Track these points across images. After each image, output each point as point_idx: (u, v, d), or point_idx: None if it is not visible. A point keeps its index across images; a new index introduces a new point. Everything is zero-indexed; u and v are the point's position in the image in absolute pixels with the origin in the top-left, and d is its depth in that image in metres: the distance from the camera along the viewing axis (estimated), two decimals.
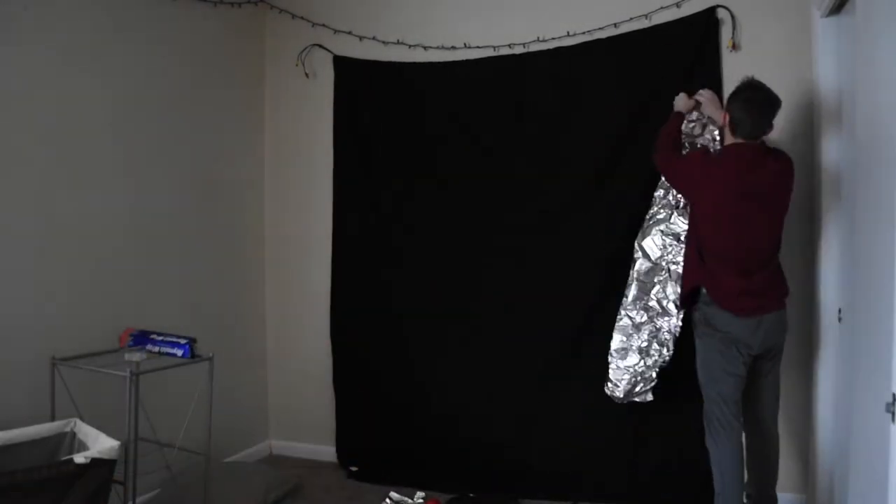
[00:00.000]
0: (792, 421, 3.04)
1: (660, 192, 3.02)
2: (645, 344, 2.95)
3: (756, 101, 2.55)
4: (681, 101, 2.93)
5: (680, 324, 2.89)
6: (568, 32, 3.33)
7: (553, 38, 3.35)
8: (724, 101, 3.05)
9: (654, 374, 2.95)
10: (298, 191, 3.92)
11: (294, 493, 3.33)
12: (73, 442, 2.35)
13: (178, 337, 2.71)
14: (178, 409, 2.79)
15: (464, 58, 3.52)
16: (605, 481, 3.19)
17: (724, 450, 2.62)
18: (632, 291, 3.01)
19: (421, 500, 3.20)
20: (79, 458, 2.03)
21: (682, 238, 2.89)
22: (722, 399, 2.63)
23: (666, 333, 2.92)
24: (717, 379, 2.64)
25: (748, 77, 2.62)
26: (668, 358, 2.91)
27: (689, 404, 3.05)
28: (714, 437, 2.66)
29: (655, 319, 2.95)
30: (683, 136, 2.94)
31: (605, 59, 3.25)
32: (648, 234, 3.01)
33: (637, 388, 2.97)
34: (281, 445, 3.98)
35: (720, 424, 2.63)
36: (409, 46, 3.62)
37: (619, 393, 2.99)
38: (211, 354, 2.73)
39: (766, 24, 3.04)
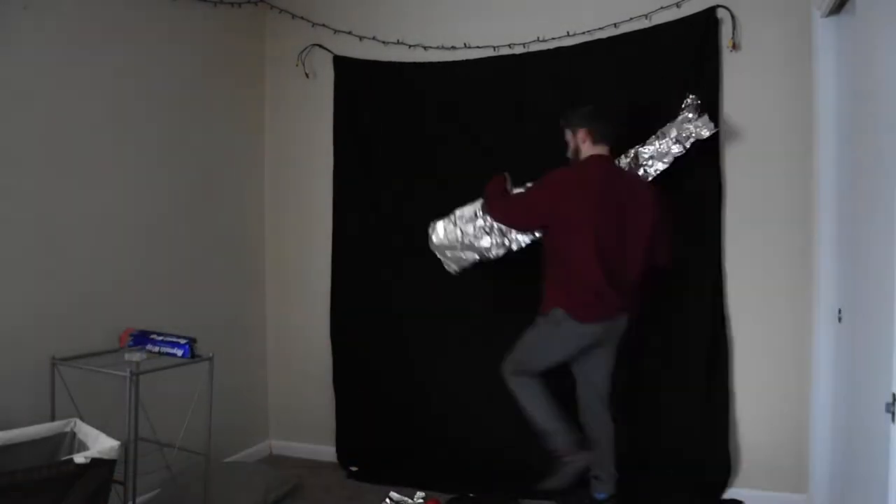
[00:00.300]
0: (792, 421, 3.03)
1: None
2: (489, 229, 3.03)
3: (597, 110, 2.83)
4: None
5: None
6: (568, 32, 3.33)
7: (553, 38, 3.35)
8: (723, 101, 3.06)
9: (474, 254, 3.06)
10: (298, 191, 3.92)
11: (294, 493, 3.33)
12: (73, 442, 2.35)
13: (178, 337, 2.71)
14: (178, 409, 2.78)
15: (464, 58, 3.52)
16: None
17: (535, 389, 2.85)
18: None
19: (421, 500, 3.20)
20: (79, 458, 2.02)
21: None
22: (546, 367, 2.86)
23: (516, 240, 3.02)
24: (551, 355, 2.86)
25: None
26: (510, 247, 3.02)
27: (690, 405, 3.06)
28: (521, 383, 2.87)
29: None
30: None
31: (605, 59, 3.24)
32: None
33: (454, 254, 3.08)
34: (281, 445, 3.98)
35: (530, 376, 2.86)
36: (409, 46, 3.62)
37: (435, 239, 3.09)
38: (211, 354, 2.73)
39: (766, 24, 3.04)
